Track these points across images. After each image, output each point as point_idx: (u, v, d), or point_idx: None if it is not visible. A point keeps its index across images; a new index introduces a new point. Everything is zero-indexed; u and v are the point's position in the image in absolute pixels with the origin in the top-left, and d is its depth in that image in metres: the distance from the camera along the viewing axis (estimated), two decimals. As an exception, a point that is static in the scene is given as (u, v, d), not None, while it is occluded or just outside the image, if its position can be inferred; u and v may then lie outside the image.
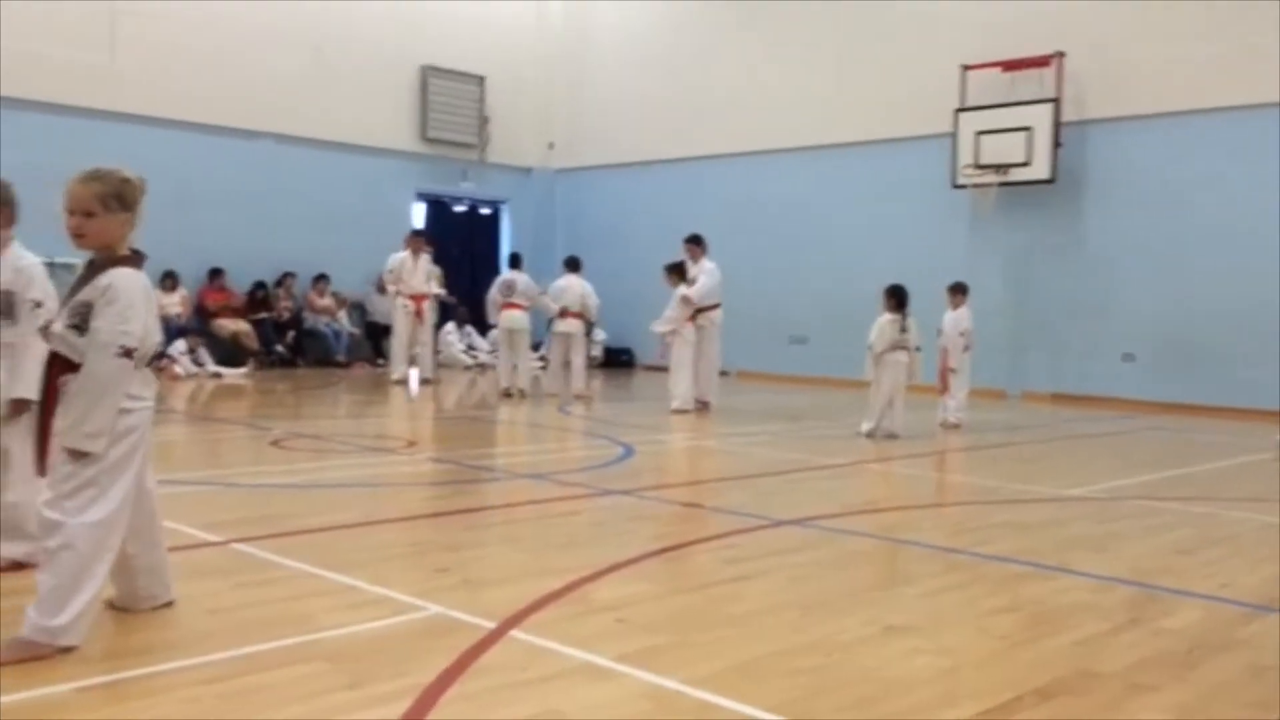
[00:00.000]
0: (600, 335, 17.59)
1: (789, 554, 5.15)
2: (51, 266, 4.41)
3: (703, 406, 11.52)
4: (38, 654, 3.28)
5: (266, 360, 15.33)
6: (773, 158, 16.55)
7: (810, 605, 4.24)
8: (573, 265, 12.97)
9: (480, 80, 18.31)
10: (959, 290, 10.76)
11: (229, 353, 14.75)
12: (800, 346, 15.70)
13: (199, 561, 4.57)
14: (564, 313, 12.62)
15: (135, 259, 3.59)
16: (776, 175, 16.47)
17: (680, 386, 11.34)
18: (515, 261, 13.28)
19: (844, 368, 12.95)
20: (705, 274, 11.76)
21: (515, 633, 3.69)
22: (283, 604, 4.01)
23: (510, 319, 12.74)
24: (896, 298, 9.80)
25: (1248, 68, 12.41)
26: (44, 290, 4.21)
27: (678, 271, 11.74)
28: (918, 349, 9.90)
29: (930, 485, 7.93)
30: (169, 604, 3.85)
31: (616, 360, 18.14)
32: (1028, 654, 3.71)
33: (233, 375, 14.20)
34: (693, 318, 11.56)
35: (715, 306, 11.89)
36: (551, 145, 19.35)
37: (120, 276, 3.49)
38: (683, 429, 10.25)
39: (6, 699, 2.98)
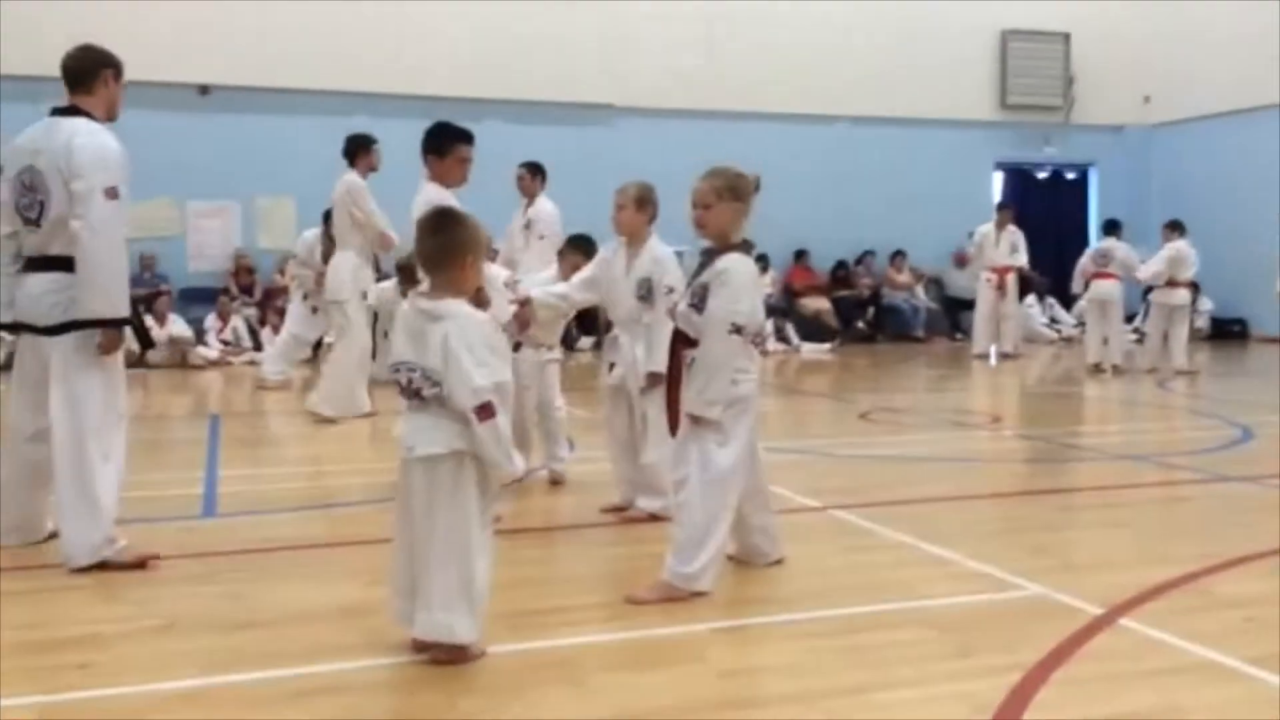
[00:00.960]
0: (1206, 304, 15.89)
1: None
2: (680, 255, 4.97)
3: None
4: (675, 595, 3.73)
5: (846, 336, 15.86)
6: None
7: None
8: (1177, 228, 11.81)
9: (1065, 37, 17.32)
10: None
11: (812, 329, 15.48)
12: None
13: (802, 525, 4.89)
14: (1171, 282, 11.54)
15: (745, 246, 3.94)
16: None
17: None
18: (1111, 228, 12.40)
19: None
20: None
21: (1126, 621, 3.51)
22: (885, 570, 4.17)
23: (1101, 289, 11.94)
24: None
25: None
26: (676, 277, 4.76)
27: None
28: None
29: None
30: (779, 561, 4.17)
31: (1226, 332, 16.26)
32: None
33: (816, 351, 14.89)
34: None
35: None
36: (1147, 99, 17.74)
37: (733, 261, 3.85)
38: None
39: (657, 631, 3.44)
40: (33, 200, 4.12)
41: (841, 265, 16.27)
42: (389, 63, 13.90)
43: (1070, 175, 18.19)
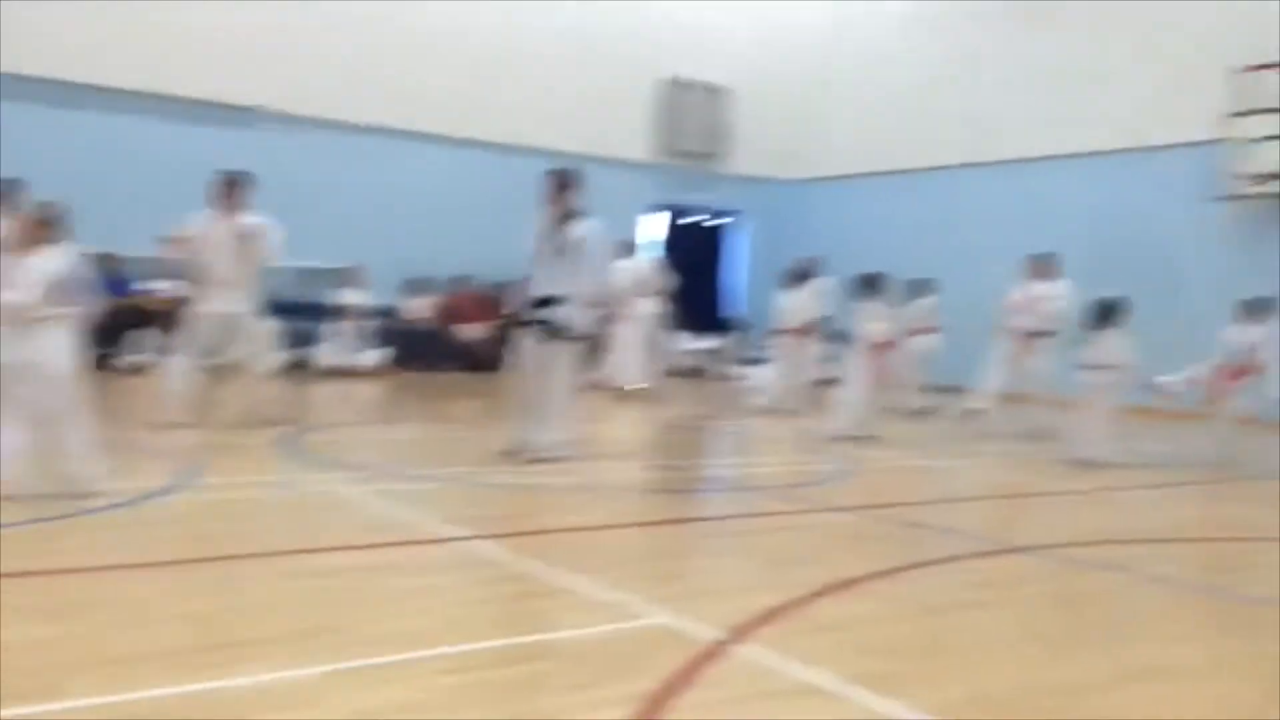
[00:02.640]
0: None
1: (1025, 583, 4.91)
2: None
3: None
4: None
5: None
6: (1025, 165, 15.83)
7: (1050, 640, 4.02)
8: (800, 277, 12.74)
9: (722, 91, 18.45)
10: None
11: (469, 357, 15.41)
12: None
13: (438, 556, 4.80)
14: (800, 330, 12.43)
15: None
16: (1028, 183, 15.76)
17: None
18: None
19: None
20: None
21: (743, 646, 3.66)
22: (515, 602, 4.17)
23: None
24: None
25: None
26: None
27: None
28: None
29: (1185, 518, 7.37)
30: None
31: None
32: (1299, 710, 3.38)
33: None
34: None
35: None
36: (791, 156, 19.20)
37: None
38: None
39: (264, 679, 3.21)
40: None
41: (505, 291, 16.25)
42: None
43: (721, 221, 19.35)
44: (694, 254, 18.17)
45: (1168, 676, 3.62)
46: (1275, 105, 12.95)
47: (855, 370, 10.21)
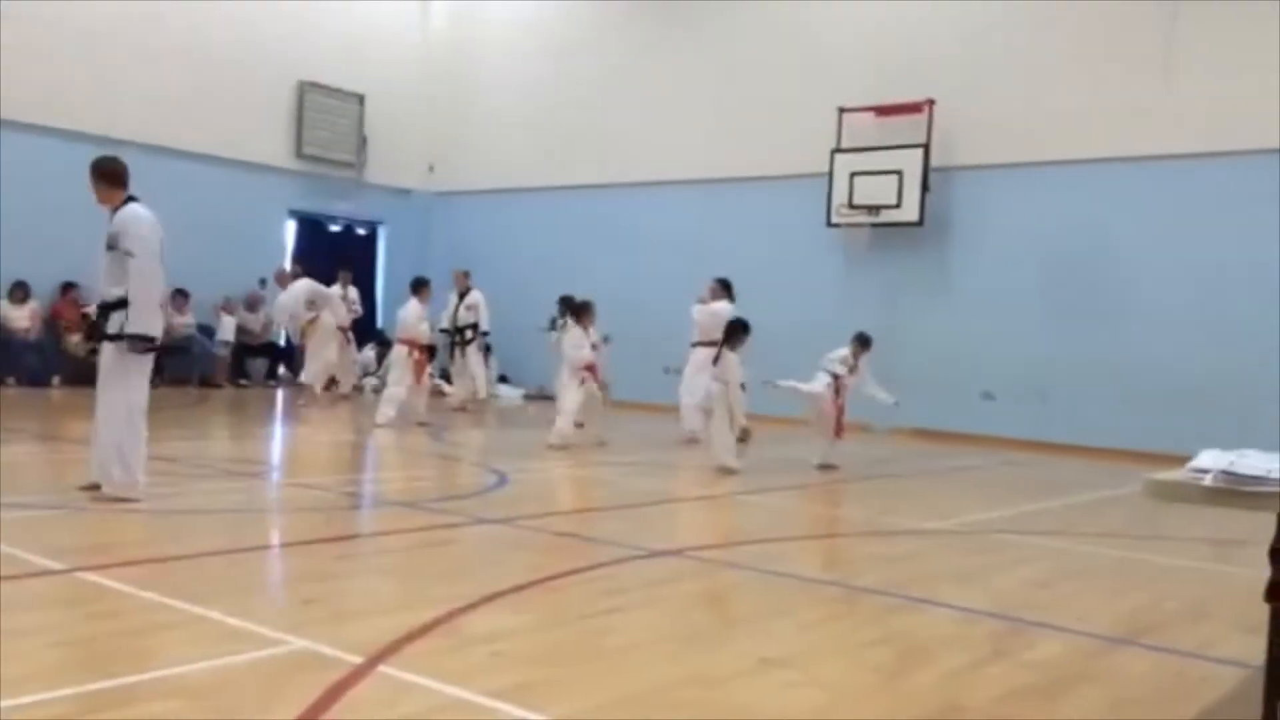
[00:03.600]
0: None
1: (664, 585, 5.13)
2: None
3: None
4: None
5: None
6: (655, 189, 16.67)
7: (687, 638, 4.22)
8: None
9: (360, 98, 18.00)
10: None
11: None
12: (675, 377, 15.77)
13: (39, 591, 4.29)
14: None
15: None
16: (658, 206, 16.59)
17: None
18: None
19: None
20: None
21: (384, 667, 3.55)
22: (135, 637, 3.79)
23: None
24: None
25: (1111, 121, 13.04)
26: None
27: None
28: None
29: (801, 517, 8.02)
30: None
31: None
32: (900, 687, 3.75)
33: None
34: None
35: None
36: (431, 168, 19.12)
37: None
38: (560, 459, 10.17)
39: None
40: None
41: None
42: None
43: (361, 231, 18.84)
44: (333, 263, 17.53)
45: (795, 663, 3.89)
46: (867, 144, 14.50)
47: (562, 384, 11.07)
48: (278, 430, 12.08)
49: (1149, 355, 12.73)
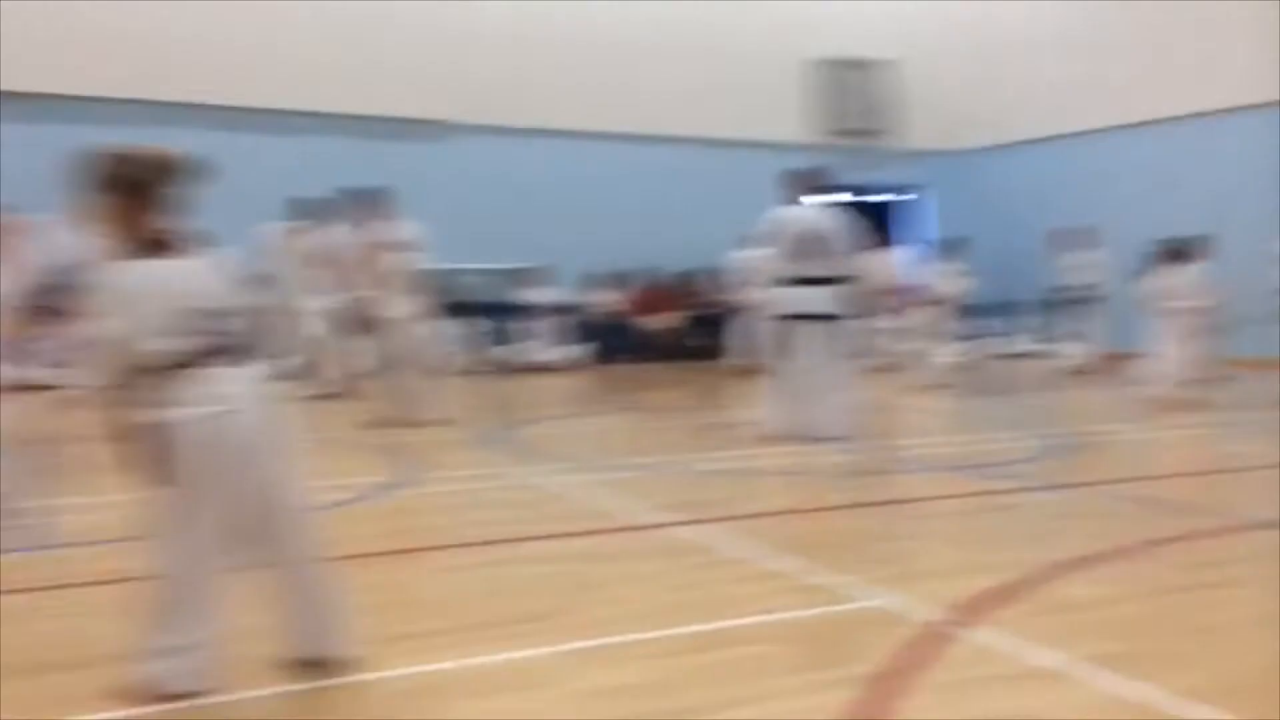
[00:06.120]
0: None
1: (1271, 561, 4.59)
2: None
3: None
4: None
5: (691, 353, 15.86)
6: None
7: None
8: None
9: (879, 66, 17.96)
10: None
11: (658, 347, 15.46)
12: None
13: (647, 542, 4.87)
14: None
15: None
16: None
17: None
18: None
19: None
20: None
21: (966, 628, 3.56)
22: (728, 585, 4.15)
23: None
24: None
25: None
26: None
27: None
28: None
29: None
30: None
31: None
32: None
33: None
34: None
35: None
36: (974, 124, 18.51)
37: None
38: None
39: (512, 655, 3.33)
40: None
41: (690, 281, 16.21)
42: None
43: (902, 197, 18.84)
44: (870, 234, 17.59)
45: None
46: None
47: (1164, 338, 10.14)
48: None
49: None
